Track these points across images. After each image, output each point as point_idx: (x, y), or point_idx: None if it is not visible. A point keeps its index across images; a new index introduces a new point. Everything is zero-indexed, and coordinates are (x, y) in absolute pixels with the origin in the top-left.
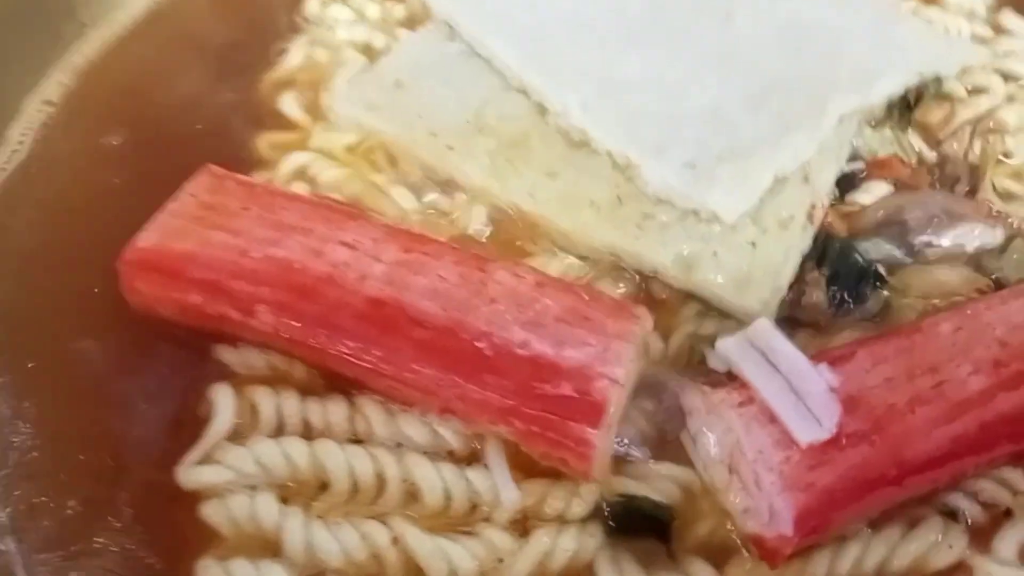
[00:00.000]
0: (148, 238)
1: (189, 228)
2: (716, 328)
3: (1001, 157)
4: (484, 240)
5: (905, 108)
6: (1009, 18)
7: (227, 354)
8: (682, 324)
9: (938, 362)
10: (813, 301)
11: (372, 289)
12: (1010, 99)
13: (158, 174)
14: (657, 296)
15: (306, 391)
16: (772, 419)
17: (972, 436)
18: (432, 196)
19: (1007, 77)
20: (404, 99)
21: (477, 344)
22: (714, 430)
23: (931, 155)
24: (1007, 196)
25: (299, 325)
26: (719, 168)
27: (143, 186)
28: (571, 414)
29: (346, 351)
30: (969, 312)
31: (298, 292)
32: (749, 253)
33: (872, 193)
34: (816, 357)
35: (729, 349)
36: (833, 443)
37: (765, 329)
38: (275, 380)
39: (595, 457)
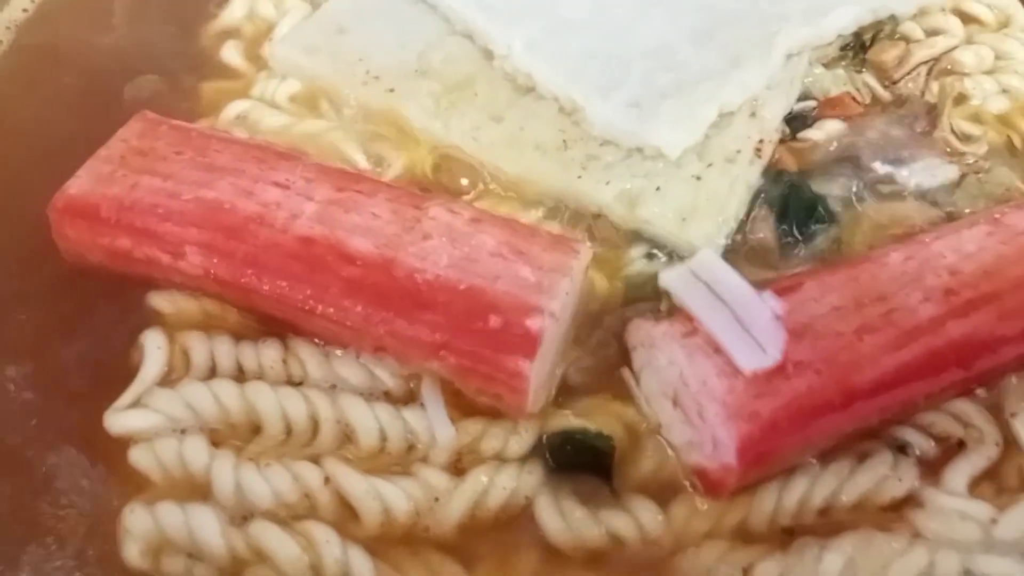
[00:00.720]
0: (77, 184)
1: (119, 173)
2: (664, 267)
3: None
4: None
5: (859, 48)
6: None
7: (159, 300)
8: (628, 265)
9: (888, 291)
10: (761, 238)
11: (302, 228)
12: (968, 40)
13: (97, 125)
14: (603, 237)
15: (239, 335)
16: (716, 349)
17: (921, 363)
18: (376, 145)
19: (965, 18)
20: (346, 43)
21: (409, 279)
22: (657, 363)
23: (885, 94)
24: (965, 138)
25: (228, 265)
26: (663, 104)
27: (82, 136)
28: (504, 347)
29: (275, 290)
30: (920, 242)
31: (227, 232)
32: (694, 187)
33: (824, 131)
34: (762, 286)
35: (672, 281)
36: (778, 372)
37: (709, 259)
38: (207, 325)
39: (529, 391)
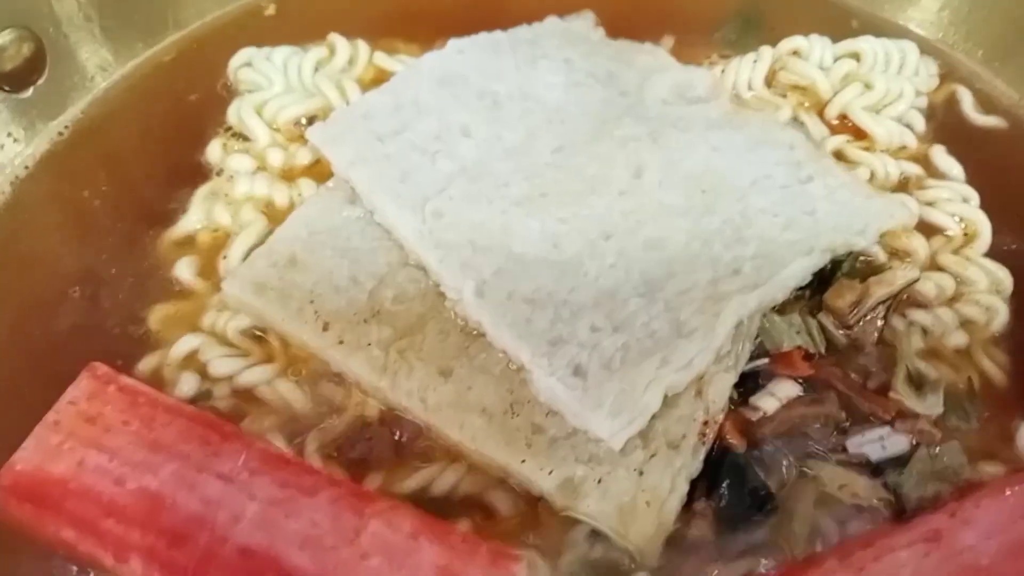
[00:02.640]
0: (25, 459)
1: (66, 446)
2: (605, 551)
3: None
4: None
5: (815, 289)
6: (939, 155)
7: None
8: (572, 547)
9: None
10: (699, 535)
11: (243, 535)
12: (932, 259)
13: (53, 349)
14: (545, 516)
15: None
16: None
17: None
18: (325, 386)
19: (930, 230)
20: (297, 279)
21: None
22: None
23: (842, 339)
24: (920, 384)
25: None
26: (607, 384)
27: (35, 361)
28: None
29: None
30: (853, 564)
31: (169, 538)
32: (635, 482)
33: (775, 395)
34: None
35: None
36: None
37: None
38: None
39: None
